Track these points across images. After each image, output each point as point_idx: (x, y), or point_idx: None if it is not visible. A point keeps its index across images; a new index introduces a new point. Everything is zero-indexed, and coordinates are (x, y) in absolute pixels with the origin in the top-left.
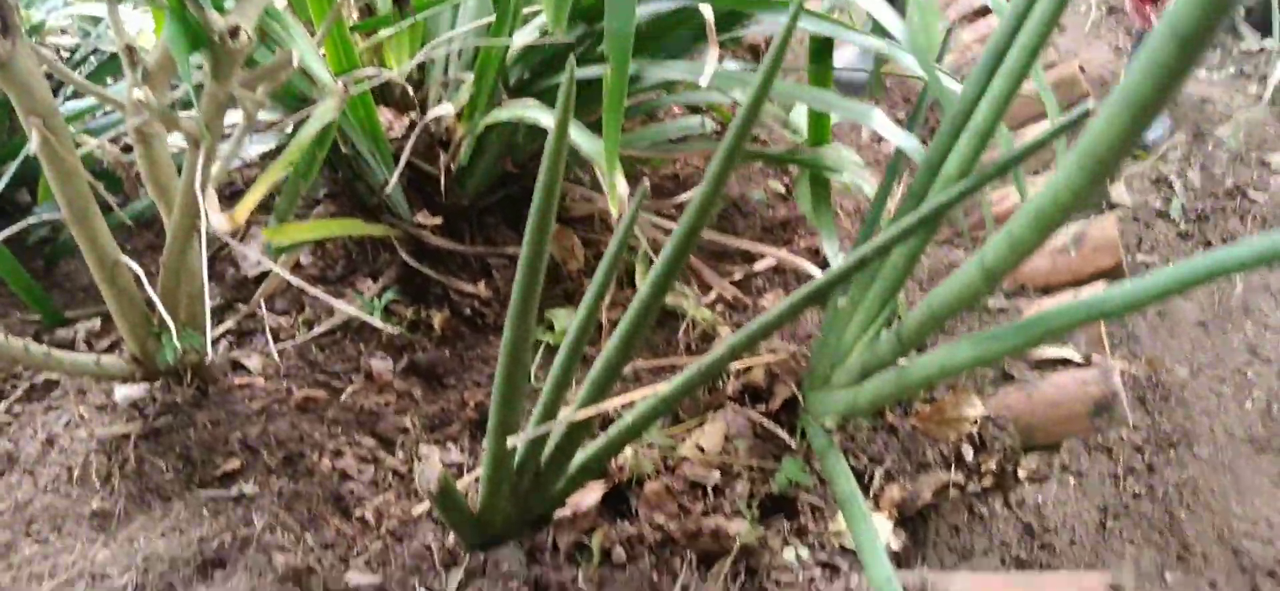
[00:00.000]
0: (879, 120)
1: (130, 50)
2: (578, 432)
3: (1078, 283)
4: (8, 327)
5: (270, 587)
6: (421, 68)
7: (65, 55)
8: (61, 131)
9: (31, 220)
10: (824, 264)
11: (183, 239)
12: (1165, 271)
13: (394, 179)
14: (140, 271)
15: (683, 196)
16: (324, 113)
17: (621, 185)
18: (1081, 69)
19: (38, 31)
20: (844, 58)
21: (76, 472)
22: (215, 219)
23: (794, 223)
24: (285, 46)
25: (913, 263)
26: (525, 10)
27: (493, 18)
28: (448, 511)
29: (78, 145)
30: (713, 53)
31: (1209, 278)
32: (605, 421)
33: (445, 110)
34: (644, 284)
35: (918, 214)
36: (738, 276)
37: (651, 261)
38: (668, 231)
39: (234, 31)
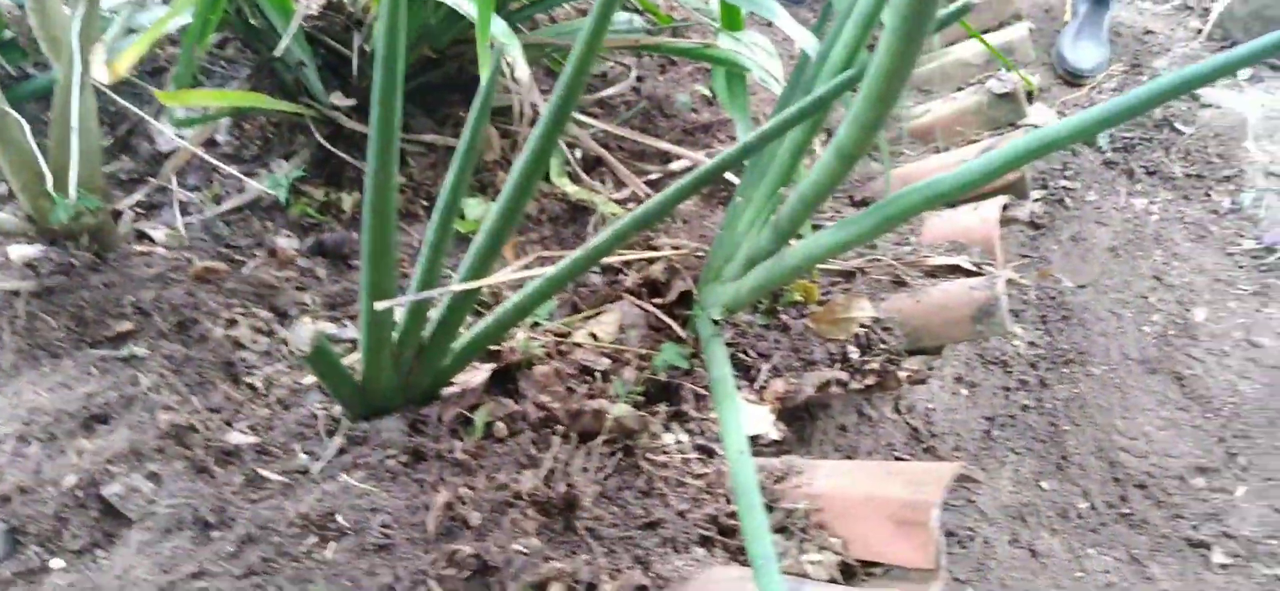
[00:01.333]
0: (782, 17)
1: None
2: (461, 308)
3: (980, 197)
4: None
5: (152, 442)
6: None
7: None
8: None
9: None
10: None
11: (68, 90)
12: (996, 150)
13: (291, 29)
14: (28, 126)
15: (607, 91)
16: None
17: (522, 70)
18: None
19: None
20: None
21: None
22: (97, 69)
23: (717, 126)
24: None
25: (798, 155)
26: None
27: None
28: (325, 376)
29: None
30: None
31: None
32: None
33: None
34: (522, 153)
35: (798, 104)
36: (654, 176)
37: (570, 159)
38: (591, 129)
39: None
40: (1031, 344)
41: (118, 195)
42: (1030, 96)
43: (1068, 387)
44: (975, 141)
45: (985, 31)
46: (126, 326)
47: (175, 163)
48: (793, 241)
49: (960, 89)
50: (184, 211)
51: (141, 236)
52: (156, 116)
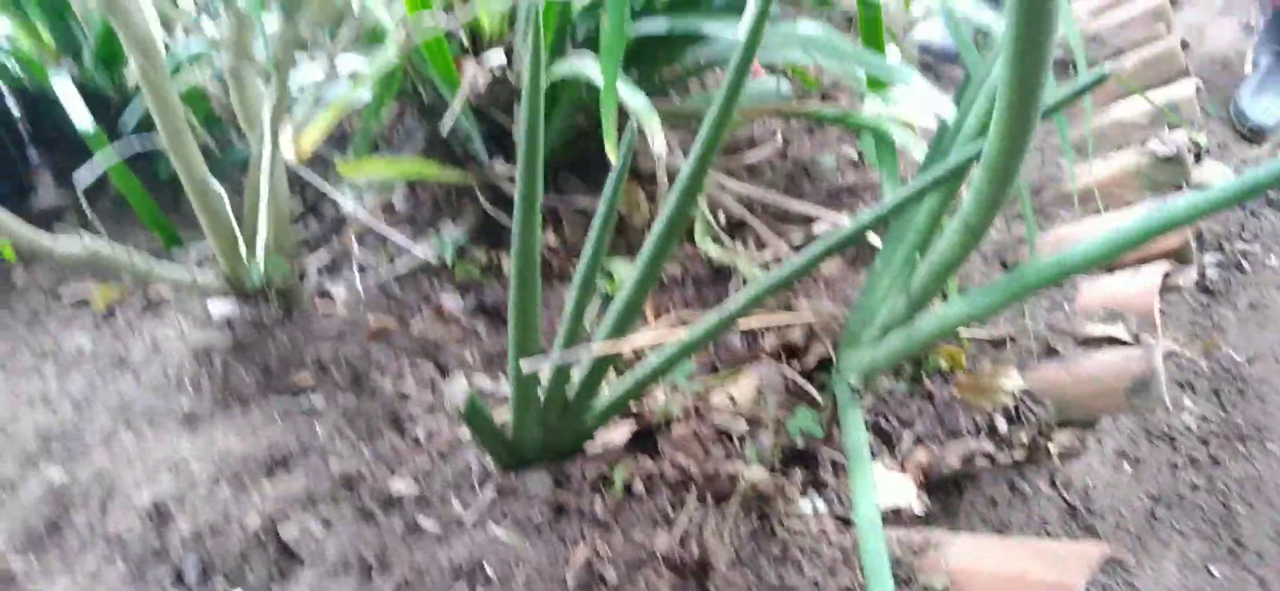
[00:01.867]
0: (918, 84)
1: None
2: (602, 367)
3: (1142, 261)
4: (133, 246)
5: (325, 488)
6: (511, 20)
7: None
8: (159, 62)
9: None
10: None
11: (261, 163)
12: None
13: (456, 106)
14: (225, 195)
15: (753, 154)
16: (386, 57)
17: (659, 144)
18: (1184, 45)
19: None
20: (938, 30)
21: (173, 376)
22: (286, 146)
23: (862, 189)
24: None
25: (935, 221)
26: None
27: None
28: (477, 431)
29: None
30: (749, 11)
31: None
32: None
33: (498, 58)
34: (660, 217)
35: (932, 172)
36: (797, 239)
37: (711, 223)
38: (735, 192)
39: None
40: (1203, 418)
41: (304, 256)
42: (1197, 156)
43: (1242, 466)
44: (1134, 204)
45: (1149, 88)
46: (307, 379)
47: (355, 226)
48: (928, 308)
49: (1120, 148)
50: (361, 271)
51: (324, 294)
52: (340, 184)
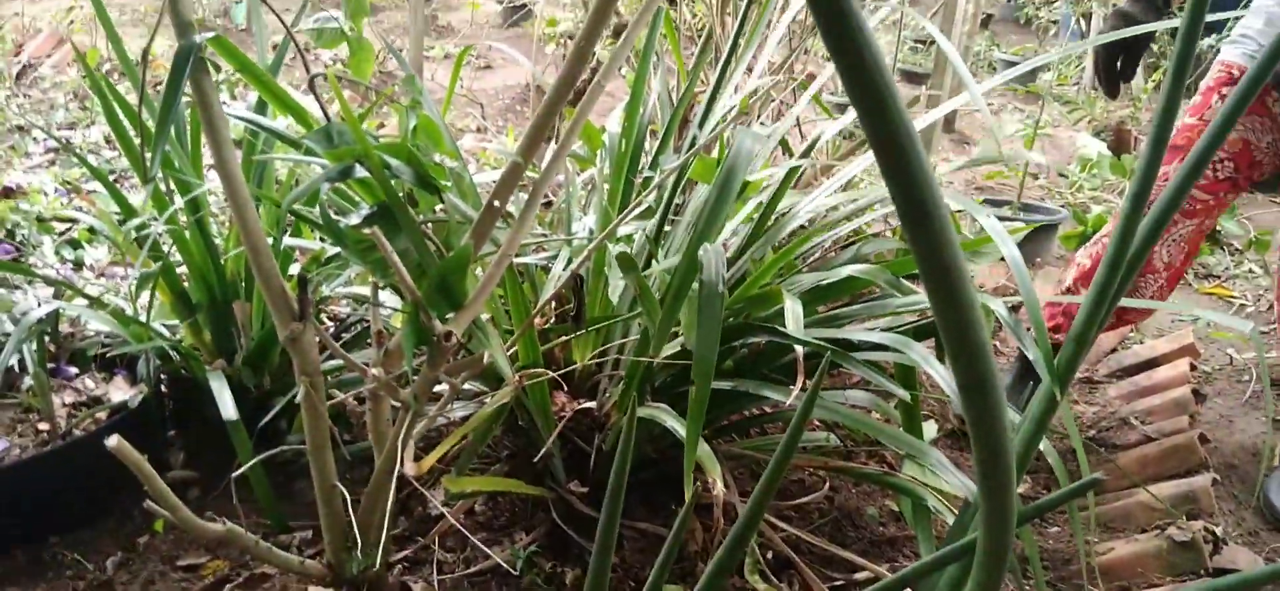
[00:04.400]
0: (934, 458)
1: (380, 334)
2: None
3: None
4: (244, 526)
5: None
6: (598, 365)
7: (336, 323)
8: (320, 387)
9: (284, 447)
10: None
11: (383, 479)
12: None
13: (550, 442)
14: (348, 496)
15: (802, 499)
16: (501, 397)
17: (718, 488)
18: (1203, 439)
19: (323, 302)
20: None
21: None
22: (408, 466)
23: (903, 542)
24: (484, 346)
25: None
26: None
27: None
28: None
29: (329, 396)
30: (799, 383)
31: None
32: None
33: (591, 404)
34: (717, 550)
35: (950, 545)
36: (839, 583)
37: (760, 560)
38: (784, 533)
39: (448, 335)
40: None
41: (392, 550)
42: (1215, 546)
43: None
44: (1157, 586)
45: (1170, 477)
46: None
47: (440, 528)
48: None
49: (1144, 530)
50: (440, 570)
51: (405, 587)
52: (433, 487)
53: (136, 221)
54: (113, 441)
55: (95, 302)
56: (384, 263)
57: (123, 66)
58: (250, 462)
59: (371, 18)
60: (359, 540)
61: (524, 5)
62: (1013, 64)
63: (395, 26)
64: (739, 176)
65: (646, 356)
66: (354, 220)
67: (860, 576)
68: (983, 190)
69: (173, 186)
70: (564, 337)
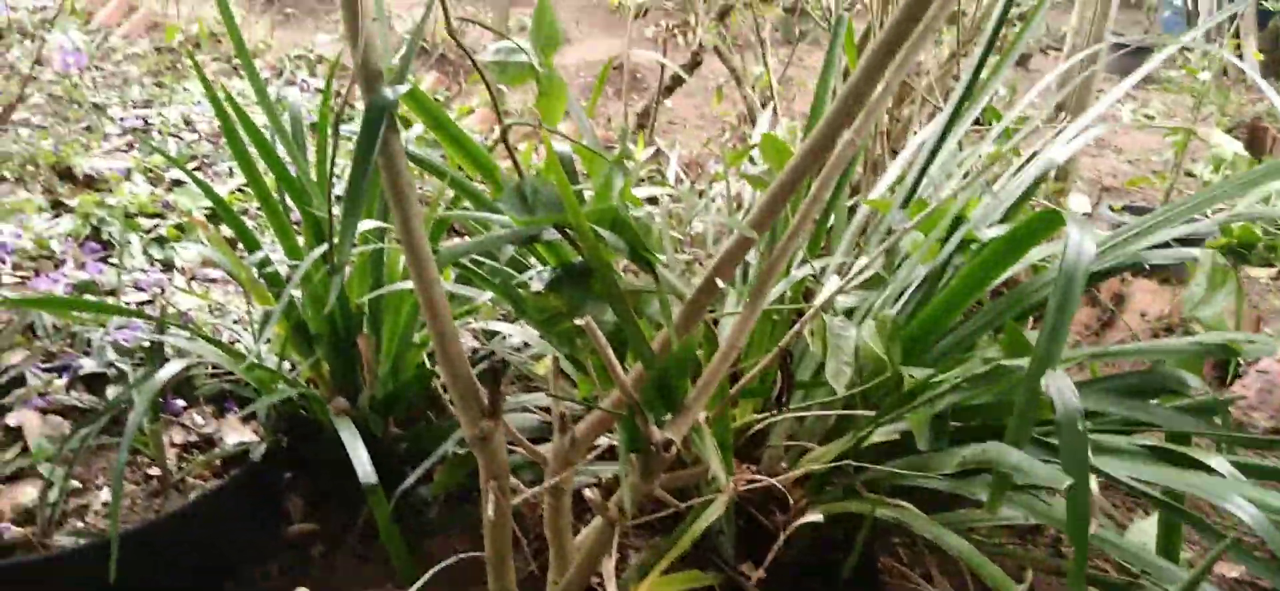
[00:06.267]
0: None
1: (562, 418)
2: None
3: None
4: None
5: None
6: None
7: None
8: (507, 493)
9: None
10: None
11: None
12: None
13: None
14: None
15: None
16: (715, 509)
17: None
18: None
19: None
20: None
21: None
22: (611, 587)
23: None
24: (698, 452)
25: None
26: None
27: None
28: None
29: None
30: None
31: None
32: None
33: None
34: None
35: None
36: None
37: None
38: None
39: (667, 444)
40: None
41: None
42: None
43: None
44: None
45: None
46: None
47: None
48: None
49: None
50: None
51: None
52: None
53: (258, 256)
54: None
55: (222, 347)
56: (571, 336)
57: (241, 60)
58: (387, 528)
59: None
60: None
61: None
62: (1120, 42)
63: None
64: (1078, 289)
65: (858, 437)
66: (536, 283)
67: None
68: (1112, 192)
69: (290, 202)
70: (760, 419)
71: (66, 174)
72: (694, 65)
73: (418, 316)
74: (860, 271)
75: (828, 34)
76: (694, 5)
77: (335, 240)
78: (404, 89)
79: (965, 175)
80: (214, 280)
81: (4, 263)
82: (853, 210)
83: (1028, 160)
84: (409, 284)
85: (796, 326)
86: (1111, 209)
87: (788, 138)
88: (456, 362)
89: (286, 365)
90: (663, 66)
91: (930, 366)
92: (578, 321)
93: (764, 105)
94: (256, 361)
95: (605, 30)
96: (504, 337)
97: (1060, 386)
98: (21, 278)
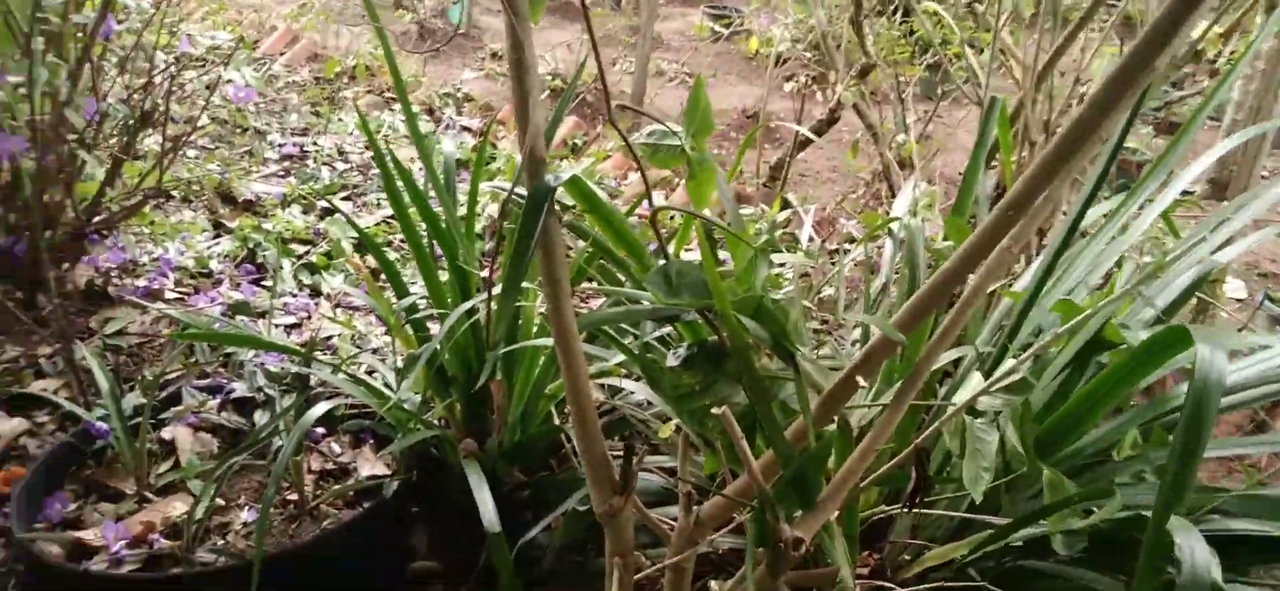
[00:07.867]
0: None
1: (689, 495)
2: None
3: None
4: None
5: None
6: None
7: None
8: (632, 568)
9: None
10: None
11: None
12: None
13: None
14: None
15: None
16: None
17: None
18: None
19: None
20: None
21: None
22: None
23: None
24: (826, 551)
25: None
26: None
27: None
28: None
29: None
30: None
31: None
32: None
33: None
34: None
35: None
36: None
37: None
38: None
39: (797, 542)
40: None
41: None
42: None
43: None
44: None
45: None
46: None
47: None
48: None
49: None
50: None
51: None
52: None
53: (406, 302)
54: None
55: (366, 386)
56: (702, 415)
57: (398, 98)
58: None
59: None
60: None
61: (727, 15)
62: None
63: (605, 36)
64: (1210, 417)
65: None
66: (672, 361)
67: None
68: (1272, 278)
69: (437, 248)
70: (885, 509)
71: (227, 196)
72: (831, 122)
73: (550, 368)
74: (1006, 374)
75: (969, 99)
76: (834, 61)
77: (490, 322)
78: (568, 176)
79: (1118, 262)
80: (357, 308)
81: (167, 278)
82: (993, 295)
83: (1189, 245)
84: (545, 341)
85: (936, 424)
86: (1270, 299)
87: (925, 204)
88: (593, 440)
89: (423, 403)
90: (799, 124)
91: (1059, 466)
92: (714, 409)
93: (902, 166)
94: (398, 403)
95: (741, 77)
96: (629, 394)
97: (1192, 546)
98: (182, 293)
